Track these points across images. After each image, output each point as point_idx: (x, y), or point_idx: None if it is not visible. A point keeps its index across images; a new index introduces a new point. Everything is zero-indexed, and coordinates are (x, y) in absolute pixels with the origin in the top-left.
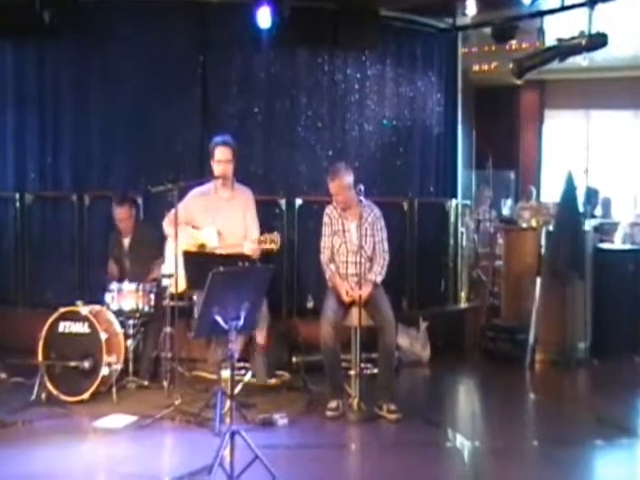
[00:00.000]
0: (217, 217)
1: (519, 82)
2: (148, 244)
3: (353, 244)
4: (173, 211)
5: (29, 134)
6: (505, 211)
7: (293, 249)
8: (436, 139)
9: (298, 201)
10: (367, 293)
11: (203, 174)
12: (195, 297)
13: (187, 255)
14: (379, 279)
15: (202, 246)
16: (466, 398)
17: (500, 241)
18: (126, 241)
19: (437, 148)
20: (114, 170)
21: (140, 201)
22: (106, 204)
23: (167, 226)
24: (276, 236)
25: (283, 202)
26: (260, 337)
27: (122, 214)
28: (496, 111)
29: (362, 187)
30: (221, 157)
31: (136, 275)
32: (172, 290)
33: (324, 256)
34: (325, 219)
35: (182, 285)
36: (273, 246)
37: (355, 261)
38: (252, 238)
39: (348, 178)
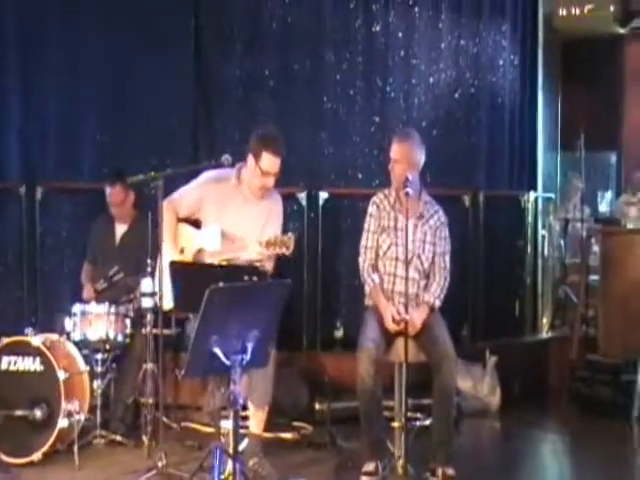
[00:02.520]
0: (232, 216)
1: (623, 31)
2: (143, 243)
3: (405, 250)
4: (176, 195)
5: None
6: (603, 207)
7: (317, 258)
8: (509, 111)
9: (323, 194)
10: (421, 319)
11: (197, 157)
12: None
13: (175, 267)
14: (437, 303)
15: (199, 251)
16: (550, 462)
17: (596, 248)
18: (120, 230)
19: (510, 123)
20: (76, 153)
21: None
22: (65, 199)
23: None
24: (289, 238)
25: (303, 196)
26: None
27: (114, 196)
28: (591, 71)
29: (410, 176)
30: (271, 169)
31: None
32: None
33: (365, 260)
34: (372, 209)
35: (169, 303)
36: (284, 251)
37: (405, 276)
38: (261, 240)
39: (419, 153)
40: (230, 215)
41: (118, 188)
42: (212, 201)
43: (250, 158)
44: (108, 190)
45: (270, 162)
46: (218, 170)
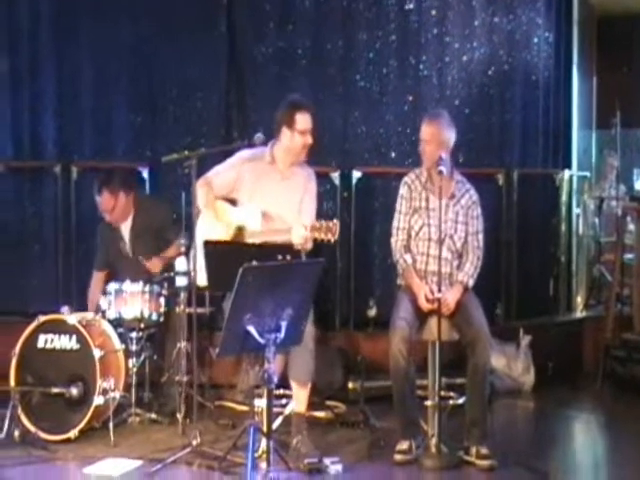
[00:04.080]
0: (268, 193)
1: None
2: (152, 223)
3: (438, 230)
4: (210, 174)
5: None
6: (638, 185)
7: (349, 237)
8: (544, 89)
9: (356, 174)
10: (455, 299)
11: (229, 137)
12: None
13: (209, 246)
14: (471, 282)
15: (240, 229)
16: (584, 441)
17: (631, 226)
18: (125, 228)
19: (545, 101)
20: (110, 133)
21: (146, 174)
22: None
23: (200, 190)
24: (335, 224)
25: (336, 175)
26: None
27: (104, 204)
28: (627, 48)
29: (443, 155)
30: (307, 126)
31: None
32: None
33: (397, 240)
34: (403, 190)
35: (203, 280)
36: (330, 237)
37: (438, 255)
38: (304, 223)
39: (448, 132)
40: (267, 193)
41: (106, 195)
42: (248, 180)
43: (283, 131)
44: (97, 199)
45: (304, 119)
46: (252, 149)
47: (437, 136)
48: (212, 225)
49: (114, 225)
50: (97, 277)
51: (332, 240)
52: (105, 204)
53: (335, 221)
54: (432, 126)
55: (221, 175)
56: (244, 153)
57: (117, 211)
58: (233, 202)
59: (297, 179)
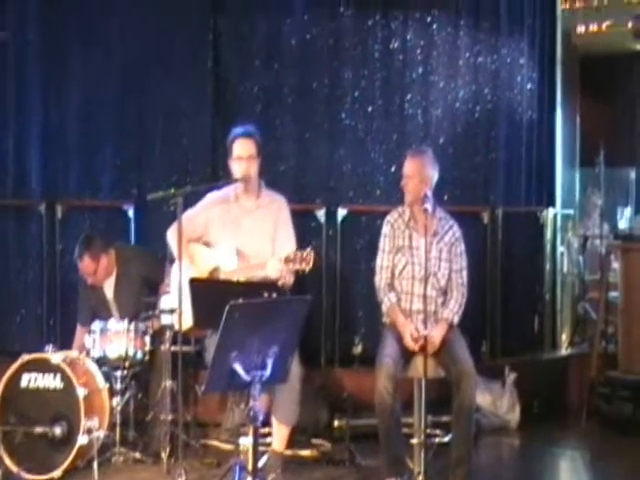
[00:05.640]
0: (238, 232)
1: None
2: (142, 272)
3: (422, 268)
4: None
5: None
6: (622, 223)
7: (335, 275)
8: (527, 127)
9: (342, 211)
10: (440, 337)
11: (215, 175)
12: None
13: (195, 284)
14: (456, 319)
15: (215, 270)
16: (569, 478)
17: (615, 265)
18: (108, 287)
19: (528, 139)
20: (96, 171)
21: (131, 213)
22: (85, 216)
23: (172, 239)
24: (309, 253)
25: (322, 213)
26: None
27: (85, 268)
28: (609, 88)
29: (428, 192)
30: (242, 152)
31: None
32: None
33: (381, 279)
34: (386, 229)
35: (188, 322)
36: (304, 266)
37: (423, 294)
38: (280, 256)
39: (431, 169)
40: (238, 231)
41: (87, 260)
42: (219, 222)
43: (231, 164)
44: (78, 264)
45: (239, 146)
46: (222, 190)
47: (420, 171)
48: (187, 270)
49: (97, 285)
50: (82, 331)
51: (307, 270)
52: (87, 268)
53: (309, 250)
54: (415, 161)
55: (192, 221)
56: (213, 195)
57: (99, 273)
58: (207, 243)
59: (266, 209)
